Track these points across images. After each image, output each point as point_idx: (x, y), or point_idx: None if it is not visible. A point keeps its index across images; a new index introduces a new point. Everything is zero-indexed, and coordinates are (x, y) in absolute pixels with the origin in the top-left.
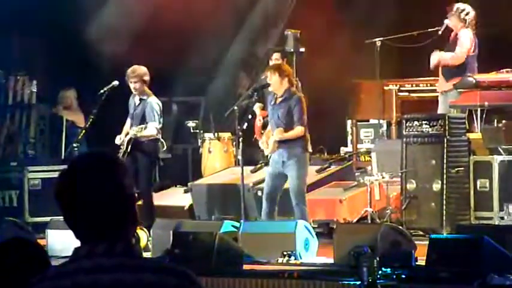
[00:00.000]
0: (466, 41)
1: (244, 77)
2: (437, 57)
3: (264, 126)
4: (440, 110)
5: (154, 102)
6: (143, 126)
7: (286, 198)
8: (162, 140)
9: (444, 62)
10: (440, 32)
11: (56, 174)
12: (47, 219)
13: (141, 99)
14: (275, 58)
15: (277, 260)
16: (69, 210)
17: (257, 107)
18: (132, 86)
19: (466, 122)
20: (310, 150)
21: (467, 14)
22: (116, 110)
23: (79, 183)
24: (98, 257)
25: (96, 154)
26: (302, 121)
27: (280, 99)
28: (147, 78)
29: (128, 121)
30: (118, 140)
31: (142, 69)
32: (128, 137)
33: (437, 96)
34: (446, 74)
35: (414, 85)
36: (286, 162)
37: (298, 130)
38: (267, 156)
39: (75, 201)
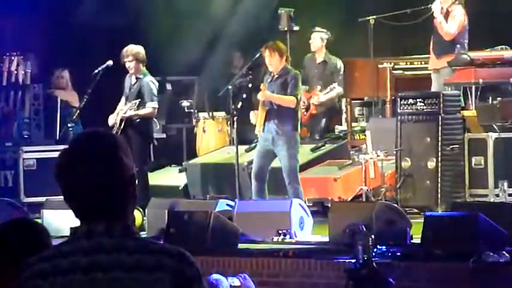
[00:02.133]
0: (460, 17)
1: (238, 57)
2: (439, 14)
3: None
4: (433, 88)
5: (150, 82)
6: (136, 101)
7: (280, 176)
8: (155, 119)
9: (441, 27)
10: (433, 9)
11: (51, 154)
12: (43, 199)
13: (137, 78)
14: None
15: (272, 239)
16: (70, 190)
17: None
18: (127, 65)
19: (462, 100)
20: (299, 129)
21: None
22: (111, 90)
23: (78, 163)
24: (97, 237)
25: (95, 133)
26: (295, 94)
27: (276, 76)
28: (142, 57)
29: (123, 100)
30: (111, 121)
31: (136, 48)
32: (121, 115)
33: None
34: (437, 51)
35: (408, 63)
36: (276, 140)
37: (289, 98)
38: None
39: (75, 180)
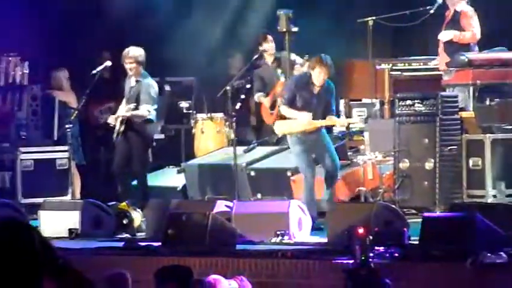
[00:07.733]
0: (476, 18)
1: (238, 59)
2: (451, 34)
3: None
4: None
5: (149, 85)
6: (132, 106)
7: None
8: (155, 121)
9: (460, 40)
10: (432, 11)
11: (48, 155)
12: (40, 200)
13: (137, 81)
14: (270, 40)
15: (271, 240)
16: None
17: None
18: (127, 67)
19: (460, 101)
20: None
21: None
22: (108, 91)
23: None
24: None
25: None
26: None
27: (319, 89)
28: (142, 59)
29: (124, 102)
30: (112, 120)
31: (138, 51)
32: (119, 117)
33: (430, 75)
34: (450, 52)
35: (407, 64)
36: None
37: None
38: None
39: None
